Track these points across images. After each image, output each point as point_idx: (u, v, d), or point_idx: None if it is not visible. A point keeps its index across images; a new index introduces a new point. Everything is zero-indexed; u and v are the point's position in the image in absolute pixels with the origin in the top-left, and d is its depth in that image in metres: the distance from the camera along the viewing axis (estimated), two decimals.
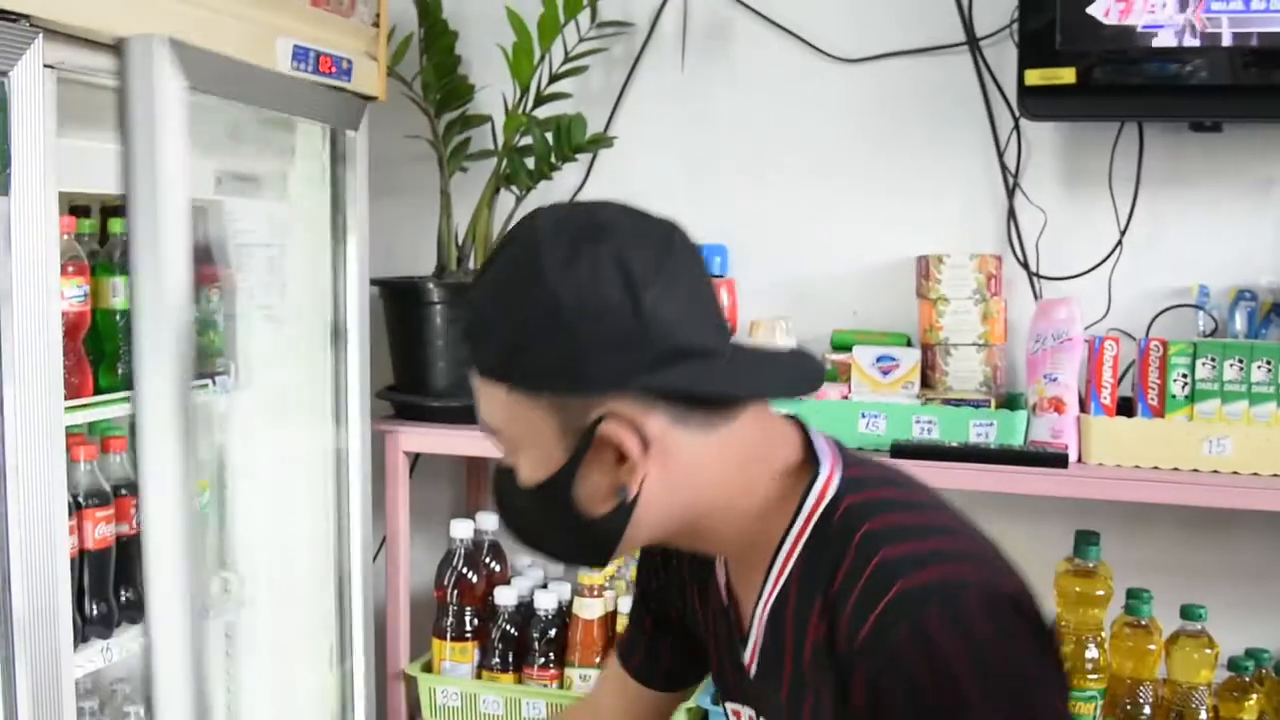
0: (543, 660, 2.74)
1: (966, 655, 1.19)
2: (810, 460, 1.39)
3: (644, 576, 1.70)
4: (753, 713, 1.50)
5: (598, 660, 2.69)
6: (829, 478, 1.37)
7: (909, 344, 2.77)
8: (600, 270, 1.26)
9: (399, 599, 2.89)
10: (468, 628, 2.81)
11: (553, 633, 2.74)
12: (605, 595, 2.73)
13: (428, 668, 2.84)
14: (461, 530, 2.82)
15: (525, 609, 2.79)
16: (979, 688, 1.18)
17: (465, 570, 2.81)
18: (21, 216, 1.87)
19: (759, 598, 1.40)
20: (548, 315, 1.27)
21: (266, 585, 2.76)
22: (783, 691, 1.38)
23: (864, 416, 2.59)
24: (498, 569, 2.88)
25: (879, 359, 2.68)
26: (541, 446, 1.32)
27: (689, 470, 1.34)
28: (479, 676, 2.80)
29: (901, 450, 2.52)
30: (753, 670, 1.45)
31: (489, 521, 2.85)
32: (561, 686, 2.72)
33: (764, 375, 1.38)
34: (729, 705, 1.56)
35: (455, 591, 2.80)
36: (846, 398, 2.65)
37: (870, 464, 1.43)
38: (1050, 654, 1.27)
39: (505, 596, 2.77)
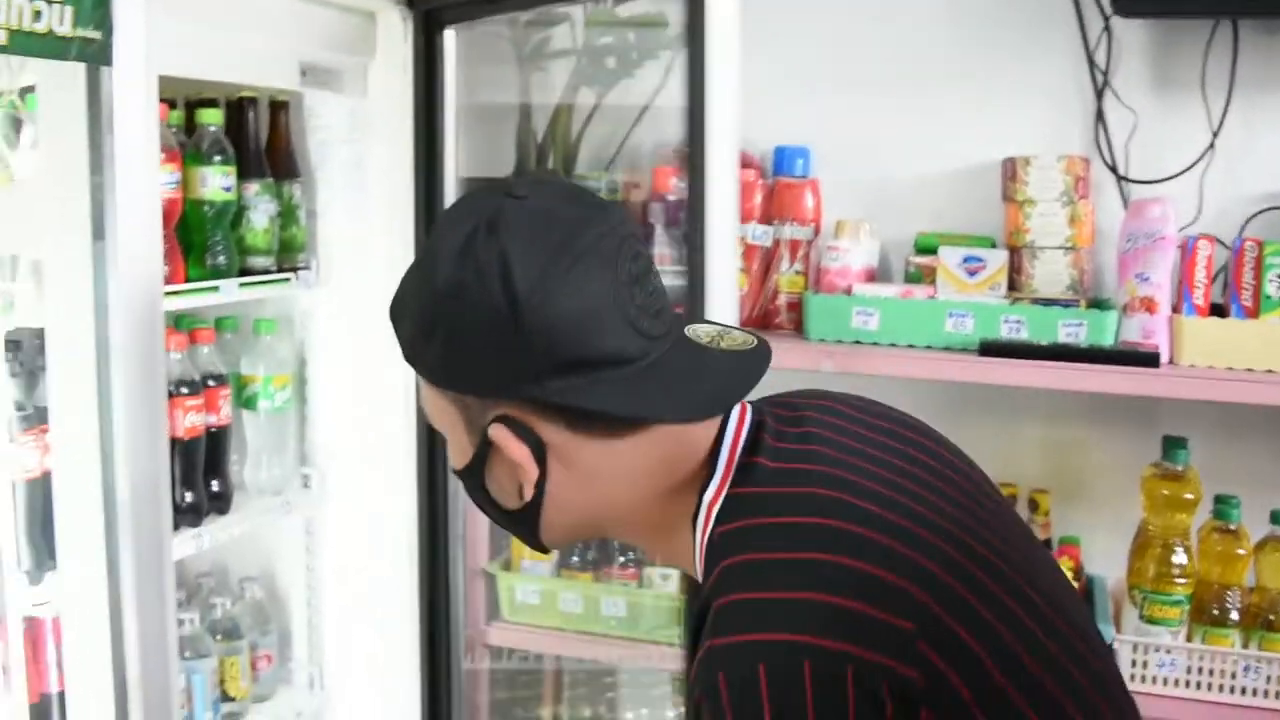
0: (622, 559, 2.74)
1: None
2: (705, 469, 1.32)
3: None
4: None
5: None
6: (713, 501, 1.29)
7: (993, 247, 2.73)
8: (485, 270, 1.24)
9: None
10: None
11: None
12: None
13: (507, 566, 2.86)
14: None
15: None
16: None
17: None
18: (125, 92, 1.86)
19: None
20: (435, 312, 1.27)
21: (346, 481, 2.77)
22: None
23: (951, 316, 2.57)
24: None
25: (966, 259, 2.66)
26: (454, 437, 1.35)
27: (592, 476, 1.32)
28: (558, 575, 2.81)
29: (990, 348, 2.50)
30: None
31: None
32: (641, 585, 2.73)
33: (671, 391, 1.28)
34: None
35: None
36: (933, 298, 2.63)
37: (761, 472, 1.30)
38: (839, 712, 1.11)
39: None
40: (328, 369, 2.77)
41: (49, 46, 1.77)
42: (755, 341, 1.38)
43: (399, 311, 1.35)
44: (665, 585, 2.69)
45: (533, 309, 1.23)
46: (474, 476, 1.36)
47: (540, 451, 1.29)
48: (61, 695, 2.33)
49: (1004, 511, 1.40)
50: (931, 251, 2.73)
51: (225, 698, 2.66)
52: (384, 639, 2.77)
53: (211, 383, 2.50)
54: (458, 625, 2.75)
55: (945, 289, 2.64)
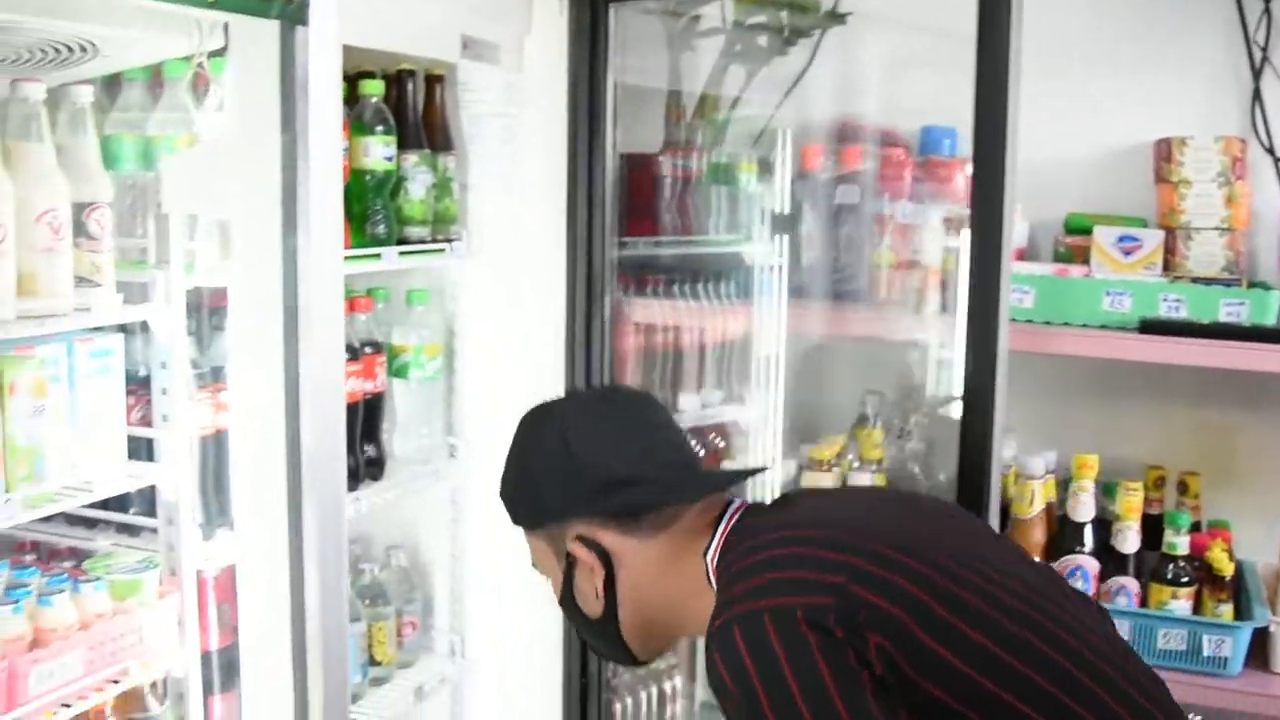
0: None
1: (738, 682, 1.49)
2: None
3: None
4: None
5: None
6: (713, 556, 1.74)
7: (1144, 227, 2.71)
8: (545, 437, 1.84)
9: None
10: None
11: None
12: (834, 470, 2.72)
13: None
14: (688, 403, 2.82)
15: (759, 483, 2.79)
16: (765, 690, 1.46)
17: (695, 443, 2.81)
18: (317, 53, 1.89)
19: None
20: (519, 475, 1.88)
21: (492, 451, 2.78)
22: None
23: (1108, 295, 2.55)
24: (721, 444, 2.88)
25: (1121, 239, 2.64)
26: (551, 569, 1.88)
27: (647, 568, 1.79)
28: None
29: (1150, 326, 2.48)
30: None
31: (715, 396, 2.85)
32: None
33: (683, 489, 1.81)
34: None
35: None
36: (1089, 276, 2.61)
37: (745, 530, 1.74)
38: (836, 657, 1.45)
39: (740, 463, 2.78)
40: (476, 340, 2.79)
41: (252, 4, 1.81)
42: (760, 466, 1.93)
43: (503, 490, 1.91)
44: None
45: (581, 450, 1.80)
46: (567, 596, 1.86)
47: (605, 556, 1.79)
48: (223, 652, 2.38)
49: (975, 529, 1.84)
50: (1082, 231, 2.71)
51: (373, 662, 2.69)
52: (527, 608, 2.78)
53: (369, 350, 2.53)
54: None
55: (1100, 268, 2.62)
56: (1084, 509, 2.56)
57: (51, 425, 1.91)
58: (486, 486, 2.80)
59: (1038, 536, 2.59)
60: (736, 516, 1.78)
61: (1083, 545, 2.56)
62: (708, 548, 1.75)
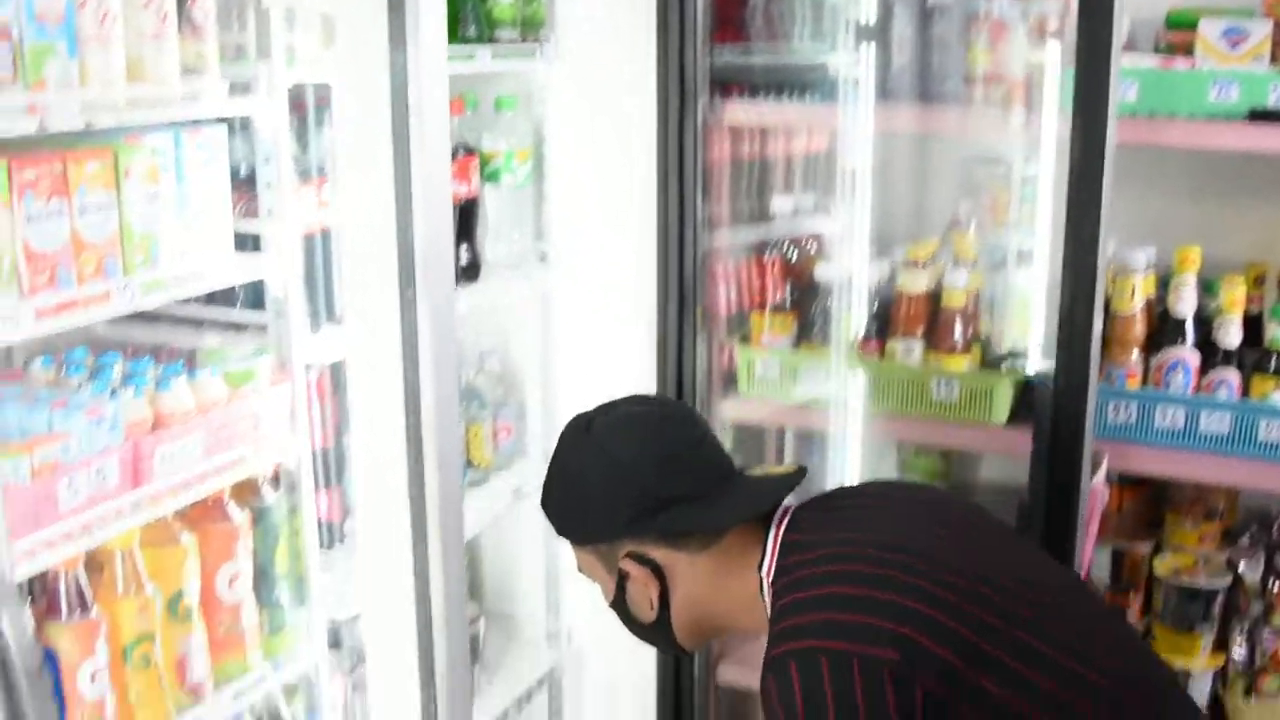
0: (863, 332, 2.74)
1: (803, 701, 1.55)
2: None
3: None
4: None
5: (919, 332, 2.69)
6: (768, 572, 1.78)
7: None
8: (587, 457, 1.85)
9: (717, 269, 2.88)
10: (788, 300, 2.81)
11: (875, 305, 2.73)
12: (930, 268, 2.70)
13: (746, 339, 2.86)
14: (781, 206, 2.80)
15: (847, 283, 2.77)
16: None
17: (786, 244, 2.80)
18: None
19: None
20: (564, 493, 1.89)
21: (581, 256, 2.78)
22: None
23: (1215, 86, 2.49)
24: (814, 250, 2.86)
25: (1227, 31, 2.56)
26: (601, 580, 1.90)
27: (698, 581, 1.83)
28: (797, 348, 2.81)
29: (1260, 115, 2.42)
30: None
31: (807, 201, 2.83)
32: (883, 357, 2.72)
33: (732, 506, 1.82)
34: None
35: (778, 263, 2.80)
36: (1194, 68, 2.54)
37: (797, 547, 1.77)
38: (877, 710, 1.52)
39: (827, 271, 2.76)
40: (564, 146, 2.77)
41: None
42: (795, 468, 1.91)
43: (546, 504, 1.92)
44: (908, 357, 2.68)
45: (628, 472, 1.81)
46: (619, 606, 1.90)
47: (659, 572, 1.83)
48: (330, 449, 2.41)
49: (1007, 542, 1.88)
50: (1184, 26, 2.63)
51: (470, 464, 2.73)
52: None
53: (462, 153, 2.52)
54: (693, 399, 2.77)
55: (1205, 62, 2.55)
56: (1186, 303, 2.53)
57: (164, 213, 1.92)
58: (575, 293, 2.81)
59: (1138, 332, 2.56)
60: (784, 526, 1.81)
61: (1184, 339, 2.53)
62: (761, 562, 1.79)
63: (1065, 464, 2.39)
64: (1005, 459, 2.98)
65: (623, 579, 1.86)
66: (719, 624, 1.93)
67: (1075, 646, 1.62)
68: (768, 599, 1.76)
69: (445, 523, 2.11)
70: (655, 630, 1.90)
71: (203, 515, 2.07)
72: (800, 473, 1.89)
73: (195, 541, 2.03)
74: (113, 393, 1.92)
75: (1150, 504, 2.86)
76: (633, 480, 1.81)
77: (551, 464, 1.92)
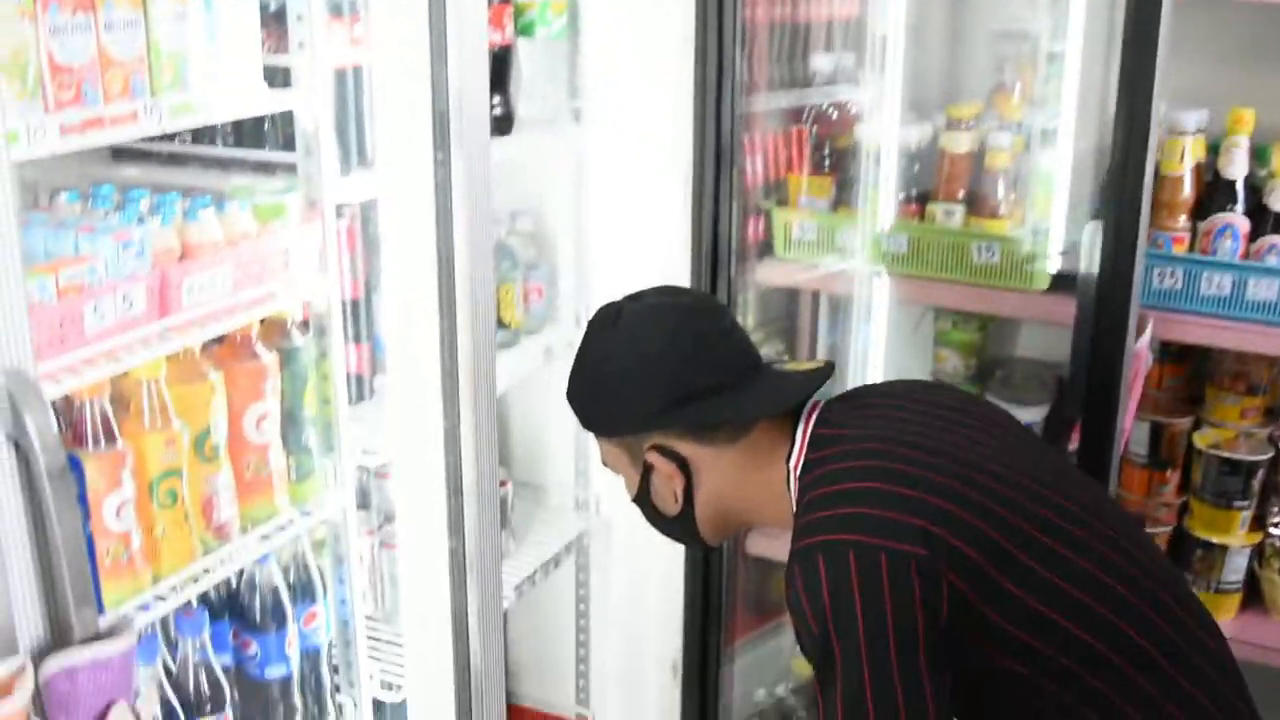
0: (903, 195, 2.67)
1: (813, 602, 1.55)
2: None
3: None
4: None
5: (960, 195, 2.62)
6: (796, 464, 1.76)
7: None
8: (615, 347, 1.81)
9: (754, 132, 2.81)
10: (826, 162, 2.74)
11: (916, 168, 2.66)
12: (973, 130, 2.62)
13: (783, 202, 2.80)
14: (821, 64, 2.73)
15: (887, 145, 2.71)
16: (834, 620, 1.53)
17: (826, 105, 2.73)
18: None
19: None
20: (591, 384, 1.86)
21: (616, 115, 2.71)
22: None
23: None
24: (854, 111, 2.79)
25: None
26: (626, 472, 1.89)
27: (723, 475, 1.81)
28: (835, 211, 2.75)
29: None
30: None
31: (848, 59, 2.75)
32: (922, 220, 2.66)
33: (761, 399, 1.79)
34: None
35: (814, 127, 2.73)
36: None
37: (826, 441, 1.75)
38: (903, 612, 1.52)
39: (865, 133, 2.69)
40: None
41: None
42: (823, 363, 1.88)
43: (572, 396, 1.89)
44: (949, 220, 2.62)
45: (656, 363, 1.78)
46: (644, 498, 1.88)
47: (684, 465, 1.81)
48: (359, 302, 2.37)
49: (1038, 450, 1.82)
50: None
51: (501, 325, 2.68)
52: (651, 273, 2.75)
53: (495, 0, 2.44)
54: (728, 262, 2.72)
55: None
56: (1237, 165, 2.45)
57: (193, 36, 1.86)
58: (610, 153, 2.75)
59: (1186, 195, 2.49)
60: (813, 420, 1.78)
61: (1234, 203, 2.46)
62: (789, 454, 1.77)
63: (1110, 327, 2.33)
64: (1042, 334, 2.95)
65: (647, 472, 1.84)
66: (743, 518, 1.92)
67: (1099, 552, 1.62)
68: (794, 492, 1.75)
69: (478, 381, 2.06)
70: (678, 523, 1.89)
71: (231, 354, 2.03)
72: (828, 368, 1.86)
73: (223, 379, 1.98)
74: (140, 220, 1.87)
75: (1192, 380, 2.80)
76: (661, 371, 1.78)
77: (578, 355, 1.88)
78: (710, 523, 1.88)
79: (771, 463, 1.79)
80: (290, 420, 2.12)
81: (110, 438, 1.81)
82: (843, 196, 2.76)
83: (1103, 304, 2.33)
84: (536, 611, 3.17)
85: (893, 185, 2.71)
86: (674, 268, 2.73)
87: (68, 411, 1.81)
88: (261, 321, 2.07)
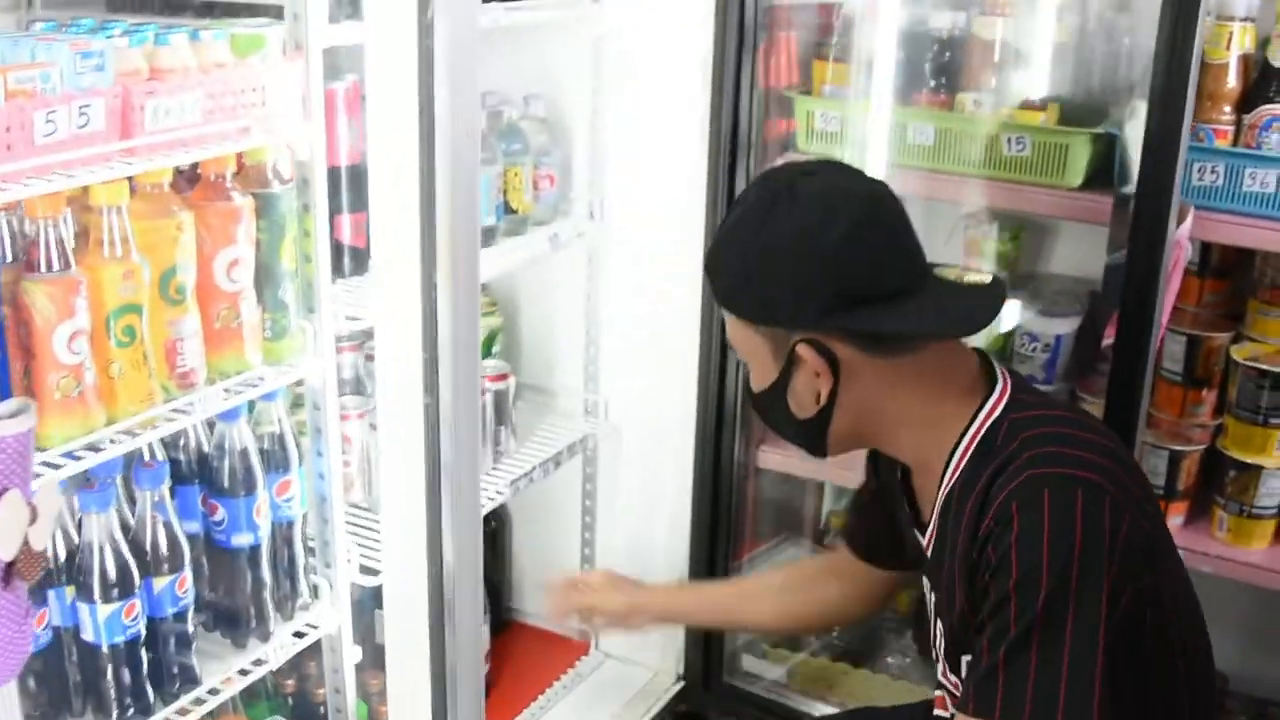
0: (933, 84, 2.53)
1: (1053, 531, 1.53)
2: (985, 385, 1.72)
3: (882, 461, 1.96)
4: (928, 584, 1.86)
5: (992, 84, 2.47)
6: (998, 400, 1.69)
7: None
8: (785, 226, 1.63)
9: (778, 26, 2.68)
10: (853, 50, 2.60)
11: (947, 55, 2.52)
12: (1009, 15, 2.47)
13: (807, 91, 2.66)
14: None
15: (917, 34, 2.56)
16: (1053, 554, 1.52)
17: None
18: None
19: (937, 493, 1.73)
20: (748, 262, 1.67)
21: None
22: (944, 568, 1.72)
23: None
24: None
25: None
26: (762, 362, 1.72)
27: (876, 387, 1.69)
28: (861, 101, 2.61)
29: None
30: (930, 552, 1.81)
31: None
32: (951, 110, 2.51)
33: (937, 315, 1.66)
34: (924, 579, 1.91)
35: (841, 11, 2.60)
36: None
37: (1036, 392, 1.77)
38: (1118, 558, 1.53)
39: (895, 18, 2.55)
40: None
41: None
42: (991, 277, 1.76)
43: (716, 265, 1.74)
44: (978, 111, 2.47)
45: (832, 254, 1.61)
46: (776, 392, 1.72)
47: (835, 367, 1.66)
48: (353, 168, 2.26)
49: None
50: None
51: (509, 210, 2.56)
52: (668, 165, 2.63)
53: None
54: (747, 154, 2.59)
55: None
56: None
57: None
58: (631, 38, 2.62)
59: (1232, 84, 2.32)
60: (1010, 380, 1.74)
61: None
62: (988, 394, 1.71)
63: (1150, 211, 2.17)
64: (1075, 249, 2.80)
65: (791, 366, 1.68)
66: (878, 438, 1.79)
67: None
68: (981, 425, 1.68)
69: (457, 257, 1.93)
70: (805, 426, 1.74)
71: (203, 196, 1.92)
72: (1001, 286, 1.74)
73: (193, 220, 1.87)
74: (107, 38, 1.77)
75: (1234, 297, 2.64)
76: (839, 266, 1.62)
77: (733, 228, 1.71)
78: (841, 434, 1.74)
79: (944, 389, 1.70)
80: (266, 273, 2.00)
81: (66, 265, 1.70)
82: (869, 86, 2.61)
83: (1144, 186, 2.17)
84: (541, 525, 3.06)
85: (922, 74, 2.55)
86: (691, 158, 2.60)
87: (21, 242, 1.71)
88: (240, 166, 1.96)
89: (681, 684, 2.91)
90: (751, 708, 2.77)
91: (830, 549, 2.56)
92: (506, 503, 2.97)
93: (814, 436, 1.75)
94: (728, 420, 2.74)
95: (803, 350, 1.65)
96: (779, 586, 2.29)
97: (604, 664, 2.97)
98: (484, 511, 2.48)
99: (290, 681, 2.46)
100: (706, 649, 2.89)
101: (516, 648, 2.96)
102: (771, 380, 1.71)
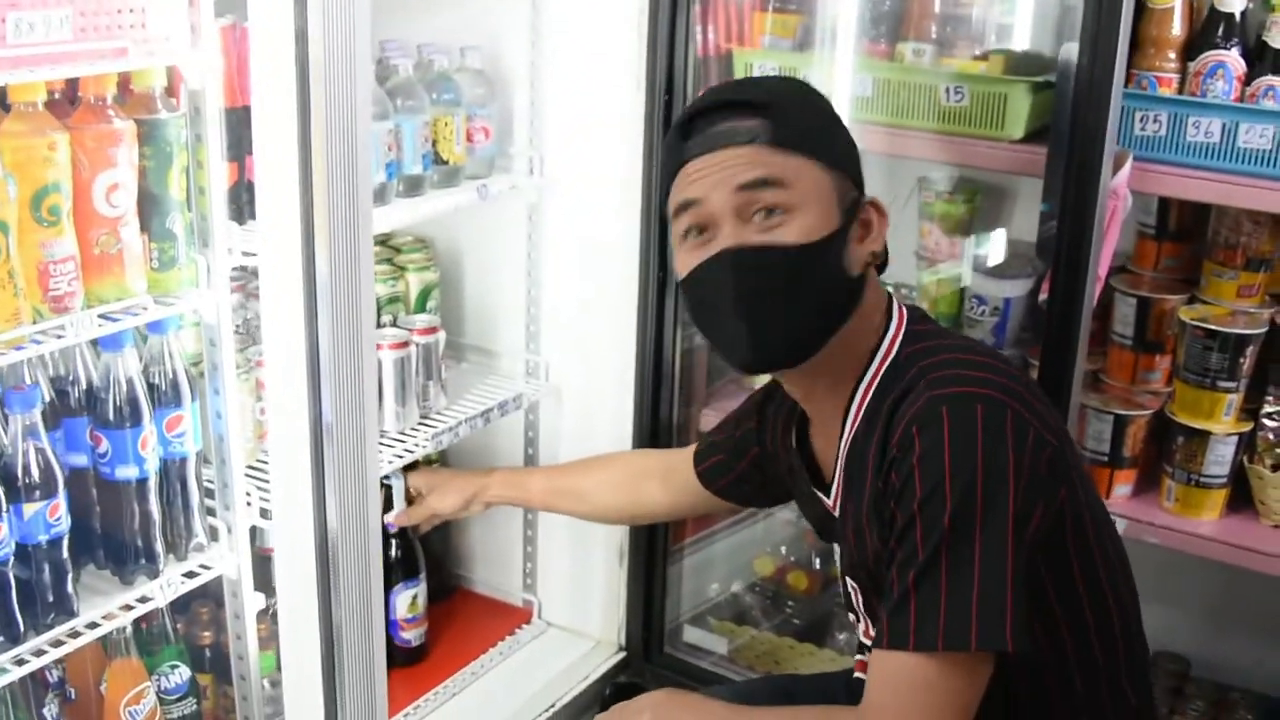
0: (872, 34, 2.47)
1: (953, 447, 1.51)
2: (884, 318, 1.73)
3: (770, 414, 2.01)
4: (838, 552, 1.83)
5: (932, 33, 2.41)
6: (895, 335, 1.70)
7: None
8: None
9: None
10: (791, 4, 2.55)
11: (887, 4, 2.46)
12: None
13: (742, 41, 2.61)
14: None
15: None
16: (955, 469, 1.50)
17: None
18: None
19: (839, 445, 1.74)
20: (831, 111, 1.75)
21: None
22: (850, 517, 1.71)
23: None
24: None
25: None
26: (823, 209, 1.64)
27: (875, 284, 1.74)
28: (800, 50, 2.55)
29: None
30: (836, 510, 1.79)
31: None
32: (891, 61, 2.45)
33: None
34: (834, 545, 1.86)
35: None
36: None
37: (932, 323, 1.77)
38: (1025, 471, 1.52)
39: None
40: None
41: None
42: None
43: (785, 111, 1.66)
44: (918, 60, 2.41)
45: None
46: (834, 243, 1.65)
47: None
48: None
49: None
50: None
51: (439, 160, 2.52)
52: (608, 119, 2.58)
53: None
54: (683, 105, 2.52)
55: None
56: None
57: None
58: None
59: (1176, 31, 2.25)
60: (903, 324, 1.74)
61: (1229, 38, 2.21)
62: (890, 307, 1.75)
63: (1081, 163, 2.09)
64: (1031, 214, 2.72)
65: (851, 219, 1.68)
66: (833, 344, 1.71)
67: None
68: (876, 372, 1.69)
69: (336, 202, 1.85)
70: (847, 287, 1.68)
71: (81, 119, 1.89)
72: None
73: (68, 140, 1.84)
74: None
75: (1191, 261, 2.55)
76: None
77: (783, 80, 1.88)
78: (857, 312, 1.71)
79: (872, 309, 1.73)
80: (153, 201, 1.97)
81: None
82: (809, 38, 2.56)
83: (1075, 131, 2.10)
84: None
85: (860, 23, 2.49)
86: (628, 117, 2.55)
87: None
88: (128, 91, 1.94)
89: (622, 654, 2.85)
90: (693, 680, 2.70)
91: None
92: (446, 465, 2.93)
93: (845, 305, 1.69)
94: (665, 380, 2.68)
95: (870, 211, 1.71)
96: (610, 483, 2.38)
97: (546, 632, 2.91)
98: (399, 465, 2.45)
99: (208, 634, 2.43)
100: (647, 620, 2.83)
101: (459, 614, 2.91)
102: (831, 229, 1.65)
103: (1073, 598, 1.64)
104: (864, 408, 1.69)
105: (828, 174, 1.66)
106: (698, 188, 1.67)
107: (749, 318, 1.65)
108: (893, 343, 1.71)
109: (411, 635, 2.71)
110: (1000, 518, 1.50)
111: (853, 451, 1.70)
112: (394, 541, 2.64)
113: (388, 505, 2.50)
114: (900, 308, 1.75)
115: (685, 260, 1.71)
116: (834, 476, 1.77)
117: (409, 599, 2.68)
